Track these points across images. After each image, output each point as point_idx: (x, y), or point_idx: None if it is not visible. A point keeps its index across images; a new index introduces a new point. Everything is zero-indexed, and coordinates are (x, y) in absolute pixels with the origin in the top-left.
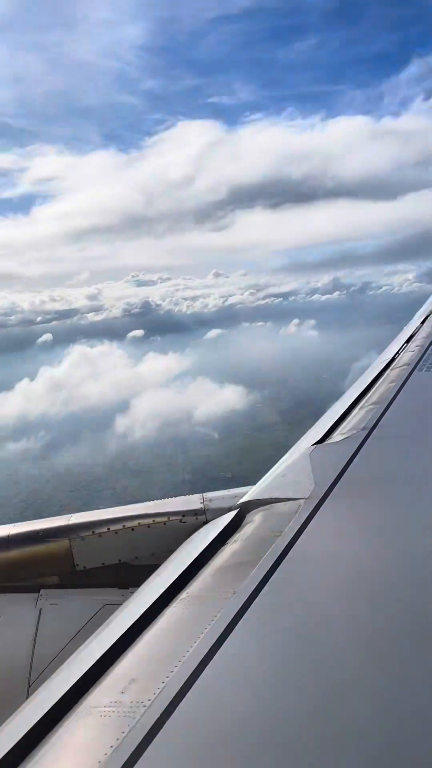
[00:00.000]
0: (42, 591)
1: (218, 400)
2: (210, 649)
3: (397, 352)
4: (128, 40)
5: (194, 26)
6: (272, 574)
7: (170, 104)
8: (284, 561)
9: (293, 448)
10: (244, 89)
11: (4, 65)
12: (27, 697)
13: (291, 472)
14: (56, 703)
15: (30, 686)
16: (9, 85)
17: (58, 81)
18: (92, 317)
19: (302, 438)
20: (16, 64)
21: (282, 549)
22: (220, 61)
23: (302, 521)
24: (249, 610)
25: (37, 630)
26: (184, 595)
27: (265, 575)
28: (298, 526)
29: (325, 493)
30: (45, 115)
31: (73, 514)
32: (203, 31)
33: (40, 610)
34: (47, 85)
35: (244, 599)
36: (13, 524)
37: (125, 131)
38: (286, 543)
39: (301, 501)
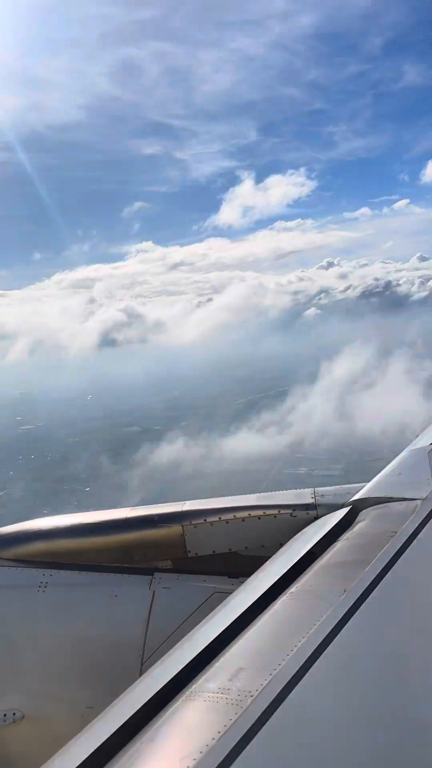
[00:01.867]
0: (156, 574)
1: None
2: (318, 646)
3: None
4: (300, 30)
5: (367, 9)
6: (385, 575)
7: (330, 93)
8: (398, 562)
9: (409, 446)
10: (412, 71)
11: (176, 65)
12: (140, 674)
13: (407, 471)
14: (167, 683)
15: (143, 664)
16: (178, 84)
17: (225, 78)
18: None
19: (419, 436)
20: (189, 63)
21: (396, 549)
22: (391, 43)
23: (419, 522)
24: (360, 609)
25: (150, 611)
26: (293, 589)
27: (377, 575)
28: (415, 527)
29: None
30: (205, 113)
31: (186, 501)
32: (375, 13)
33: (154, 592)
34: (213, 83)
35: (356, 598)
36: (131, 508)
37: (283, 125)
38: (401, 543)
39: (418, 501)
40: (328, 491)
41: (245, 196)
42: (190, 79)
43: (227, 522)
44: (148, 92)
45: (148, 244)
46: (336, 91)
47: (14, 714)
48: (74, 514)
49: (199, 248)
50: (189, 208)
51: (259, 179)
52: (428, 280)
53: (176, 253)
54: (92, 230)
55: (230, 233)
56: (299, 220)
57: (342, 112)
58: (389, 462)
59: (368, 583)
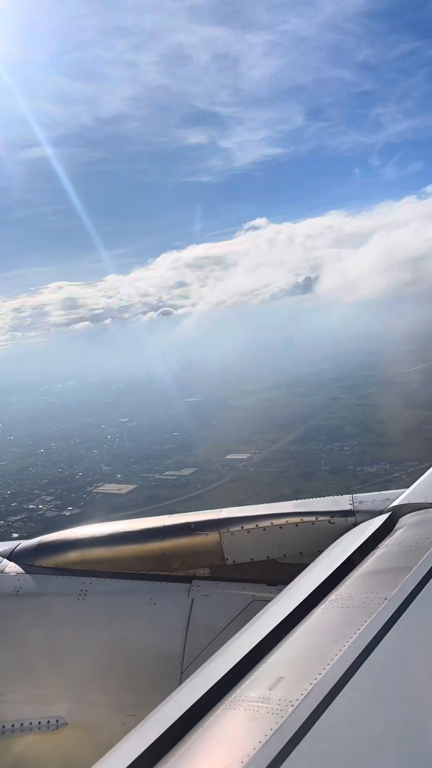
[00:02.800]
0: (194, 582)
1: None
2: (360, 655)
3: None
4: (353, 8)
5: None
6: (427, 582)
7: (381, 73)
8: None
9: None
10: None
11: (225, 51)
12: (180, 682)
13: None
14: (207, 691)
15: (183, 672)
16: (226, 71)
17: (273, 62)
18: None
19: None
20: (238, 48)
21: None
22: None
23: None
24: (401, 618)
25: (189, 619)
26: (333, 596)
27: (419, 583)
28: None
29: None
30: (253, 99)
31: (223, 509)
32: None
33: (192, 600)
34: (262, 68)
35: (397, 606)
36: (168, 515)
37: (330, 108)
38: None
39: None
40: (367, 497)
41: None
42: (239, 65)
43: (265, 529)
44: (196, 80)
45: (261, 221)
46: (387, 70)
47: (57, 721)
48: (112, 522)
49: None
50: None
51: (303, 166)
52: None
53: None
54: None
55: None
56: None
57: (391, 92)
58: (429, 468)
59: (409, 591)
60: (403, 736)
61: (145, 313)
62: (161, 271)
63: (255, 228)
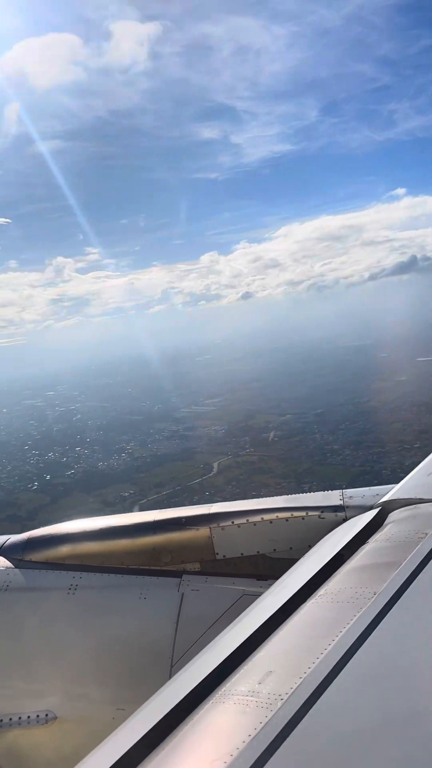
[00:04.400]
0: (184, 576)
1: None
2: (349, 649)
3: None
4: (381, 0)
5: None
6: (416, 577)
7: (399, 68)
8: (429, 564)
9: None
10: None
11: (248, 42)
12: (170, 676)
13: None
14: (197, 686)
15: (173, 666)
16: (247, 63)
17: (295, 56)
18: None
19: None
20: (262, 39)
21: (427, 552)
22: None
23: None
24: (390, 612)
25: (179, 613)
26: (322, 591)
27: (408, 578)
28: None
29: None
30: (270, 93)
31: (214, 504)
32: None
33: (183, 594)
34: (282, 61)
35: (386, 601)
36: (159, 510)
37: (346, 104)
38: None
39: None
40: (357, 493)
41: None
42: (261, 57)
43: (255, 524)
44: (216, 72)
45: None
46: (405, 65)
47: (47, 715)
48: (102, 517)
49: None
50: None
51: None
52: None
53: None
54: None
55: None
56: None
57: (407, 88)
58: (420, 464)
59: (398, 586)
60: (393, 729)
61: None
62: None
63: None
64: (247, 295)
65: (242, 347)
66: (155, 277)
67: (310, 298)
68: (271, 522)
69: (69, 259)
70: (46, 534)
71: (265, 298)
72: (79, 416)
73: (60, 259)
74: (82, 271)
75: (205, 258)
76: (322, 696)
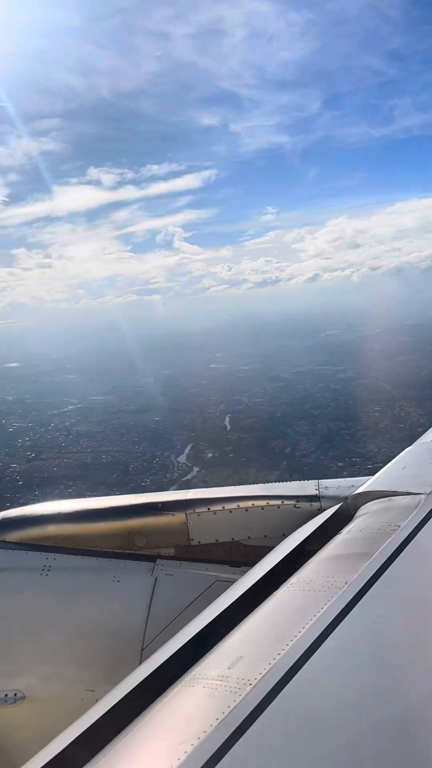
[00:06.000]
0: (158, 561)
1: None
2: (318, 637)
3: None
4: None
5: None
6: (387, 568)
7: (407, 63)
8: (401, 555)
9: (416, 441)
10: None
11: (262, 28)
12: (140, 660)
13: (412, 465)
14: (167, 669)
15: (143, 649)
16: (258, 49)
17: (307, 45)
18: None
19: (427, 432)
20: (277, 26)
21: (399, 543)
22: None
23: (422, 517)
24: (361, 601)
25: (152, 597)
26: (295, 579)
27: (379, 568)
28: (418, 521)
29: None
30: (276, 83)
31: (191, 490)
32: None
33: (156, 578)
34: (293, 50)
35: (356, 590)
36: (135, 495)
37: (349, 97)
38: (404, 537)
39: (422, 496)
40: (332, 483)
41: None
42: (272, 44)
43: (231, 511)
44: (225, 58)
45: None
46: (413, 61)
47: (15, 695)
48: (79, 499)
49: None
50: None
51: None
52: None
53: None
54: None
55: None
56: None
57: (411, 84)
58: (395, 457)
59: (369, 576)
60: (360, 714)
61: None
62: None
63: None
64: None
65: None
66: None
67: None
68: (246, 510)
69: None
70: (21, 515)
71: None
72: None
73: None
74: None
75: None
76: (291, 681)
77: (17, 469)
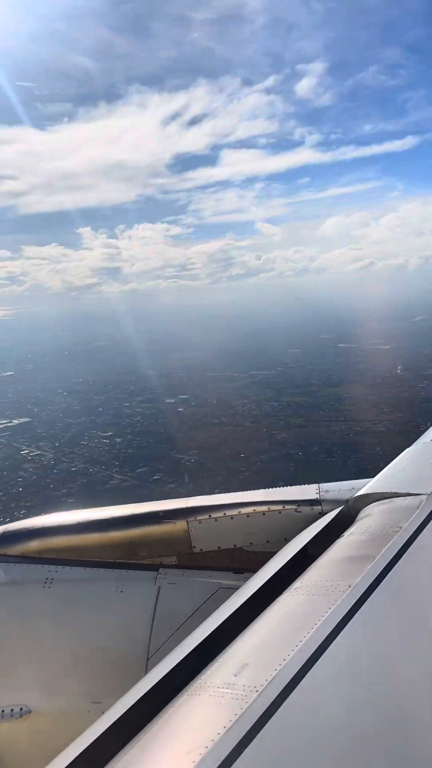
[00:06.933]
0: (161, 570)
1: None
2: (323, 641)
3: None
4: None
5: None
6: (390, 570)
7: (426, 56)
8: (403, 557)
9: (416, 442)
10: None
11: (282, 16)
12: (146, 670)
13: (412, 466)
14: (172, 678)
15: (149, 659)
16: (276, 37)
17: (325, 34)
18: None
19: (426, 432)
20: (297, 13)
21: (401, 545)
22: None
23: (424, 517)
24: (365, 605)
25: (155, 607)
26: (298, 584)
27: (382, 571)
28: (420, 522)
29: None
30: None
31: (191, 498)
32: None
33: (159, 588)
34: (310, 39)
35: (360, 593)
36: (136, 504)
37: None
38: (406, 539)
39: (423, 497)
40: (333, 487)
41: None
42: (292, 32)
43: (232, 518)
44: (241, 46)
45: None
46: (429, 54)
47: (21, 709)
48: (79, 511)
49: None
50: None
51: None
52: None
53: None
54: None
55: None
56: None
57: (423, 80)
58: (395, 458)
59: (373, 579)
60: (368, 720)
61: None
62: None
63: None
64: None
65: None
66: None
67: None
68: (248, 516)
69: None
70: (22, 528)
71: None
72: None
73: None
74: None
75: None
76: (297, 687)
77: None
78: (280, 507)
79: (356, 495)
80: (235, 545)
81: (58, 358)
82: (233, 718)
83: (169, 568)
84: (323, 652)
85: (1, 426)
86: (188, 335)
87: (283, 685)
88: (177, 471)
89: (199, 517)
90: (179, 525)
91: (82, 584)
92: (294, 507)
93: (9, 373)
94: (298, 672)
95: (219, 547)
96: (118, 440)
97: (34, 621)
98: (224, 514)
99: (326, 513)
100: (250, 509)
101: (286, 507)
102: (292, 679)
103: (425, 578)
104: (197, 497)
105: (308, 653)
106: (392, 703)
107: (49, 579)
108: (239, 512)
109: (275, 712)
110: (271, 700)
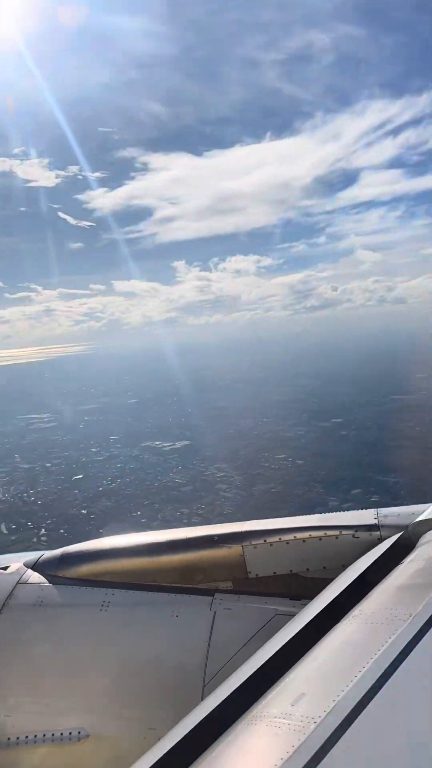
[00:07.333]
0: (216, 595)
1: None
2: (384, 672)
3: None
4: None
5: None
6: None
7: None
8: None
9: None
10: None
11: (351, 52)
12: (202, 697)
13: None
14: (229, 706)
15: (205, 686)
16: (346, 74)
17: (393, 69)
18: None
19: None
20: (367, 49)
21: None
22: None
23: None
24: (427, 634)
25: (211, 633)
26: (356, 612)
27: None
28: None
29: None
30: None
31: (246, 522)
32: None
33: (215, 613)
34: (380, 74)
35: (422, 623)
36: (190, 527)
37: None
38: None
39: None
40: (392, 512)
41: None
42: (361, 67)
43: (287, 543)
44: (309, 83)
45: None
46: None
47: (79, 732)
48: (135, 534)
49: None
50: None
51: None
52: None
53: None
54: None
55: None
56: None
57: None
58: None
59: None
60: (428, 755)
61: None
62: None
63: None
64: None
65: None
66: None
67: None
68: (303, 541)
69: None
70: (80, 550)
71: None
72: None
73: None
74: None
75: None
76: (357, 720)
77: None
78: (337, 532)
79: (417, 520)
80: (291, 571)
81: (173, 386)
82: (290, 750)
83: (224, 593)
84: (384, 683)
85: (167, 448)
86: (294, 363)
87: (343, 717)
88: (391, 492)
89: (254, 542)
90: (234, 549)
91: (138, 608)
92: (352, 532)
93: (133, 401)
94: (357, 703)
95: (275, 573)
96: (299, 462)
97: (92, 644)
98: (280, 539)
99: (385, 539)
100: (306, 534)
101: (344, 532)
102: (351, 710)
103: None
104: (252, 521)
105: (368, 684)
106: None
107: (106, 602)
108: (294, 537)
109: (334, 744)
110: (330, 731)
